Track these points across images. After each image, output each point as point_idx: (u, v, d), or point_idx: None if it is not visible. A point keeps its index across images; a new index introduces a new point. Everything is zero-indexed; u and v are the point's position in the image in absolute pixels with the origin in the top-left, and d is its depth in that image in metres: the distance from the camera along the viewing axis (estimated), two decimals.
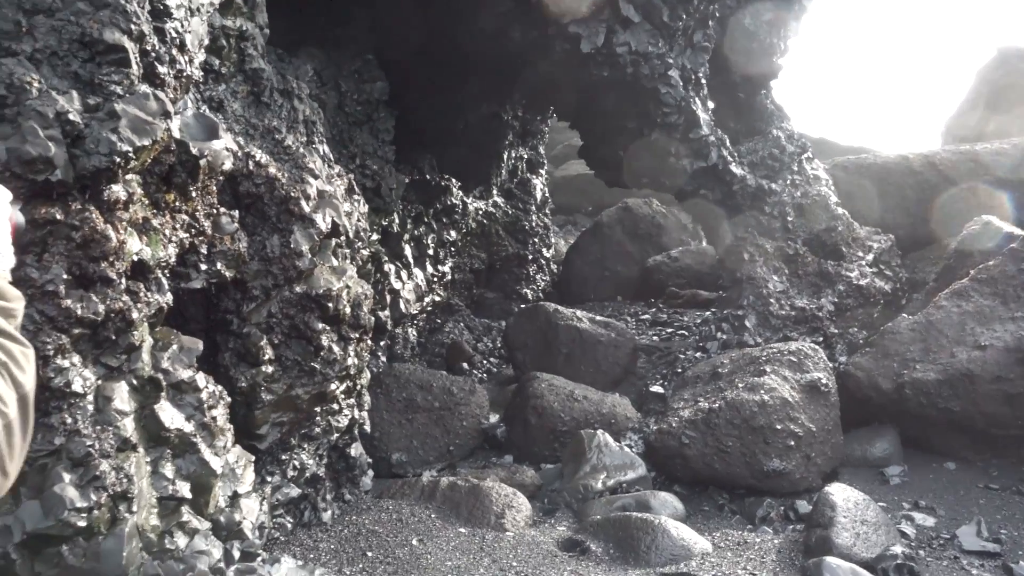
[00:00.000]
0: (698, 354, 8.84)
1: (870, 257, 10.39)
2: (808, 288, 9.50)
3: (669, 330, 10.82)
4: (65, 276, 2.67)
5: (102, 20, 2.76)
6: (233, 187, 4.02)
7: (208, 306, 4.03)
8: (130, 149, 2.75)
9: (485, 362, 11.16)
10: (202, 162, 3.34)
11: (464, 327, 12.30)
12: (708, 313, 10.07)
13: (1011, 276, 7.11)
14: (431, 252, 11.60)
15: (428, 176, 11.43)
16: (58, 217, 2.64)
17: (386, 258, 9.73)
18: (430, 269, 11.50)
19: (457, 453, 7.01)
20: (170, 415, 3.10)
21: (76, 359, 2.74)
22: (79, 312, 2.71)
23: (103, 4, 2.78)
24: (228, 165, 3.61)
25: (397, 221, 10.20)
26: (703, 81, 9.38)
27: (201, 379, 3.33)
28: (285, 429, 4.22)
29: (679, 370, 8.63)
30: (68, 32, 2.73)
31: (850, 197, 11.98)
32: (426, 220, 11.55)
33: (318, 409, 4.41)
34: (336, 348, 4.35)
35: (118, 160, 2.71)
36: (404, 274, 10.22)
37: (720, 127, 9.66)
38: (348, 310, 4.41)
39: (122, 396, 2.91)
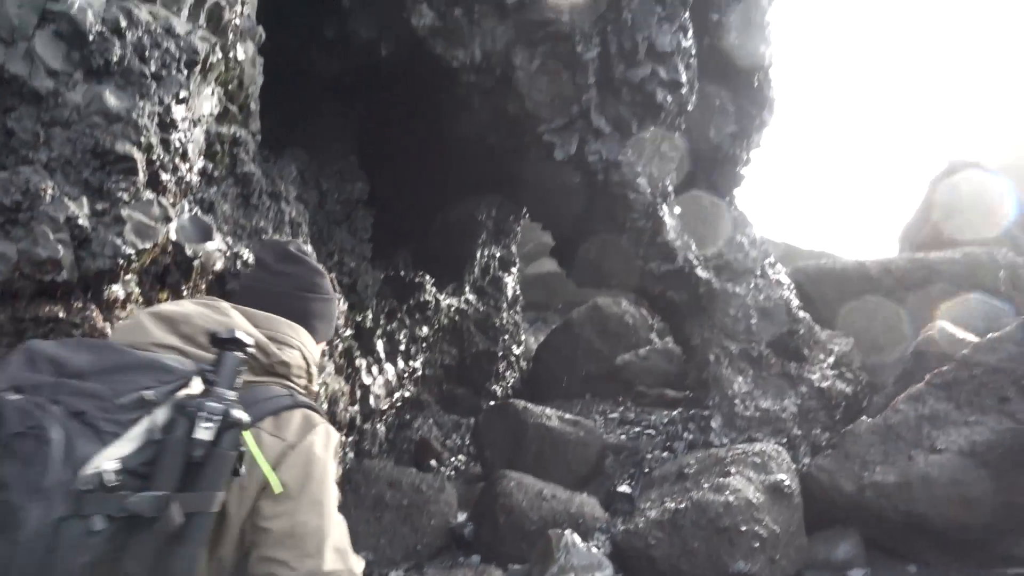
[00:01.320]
0: (665, 454, 8.96)
1: (831, 360, 10.71)
2: (772, 390, 9.74)
3: (637, 429, 10.93)
4: None
5: (115, 132, 2.97)
6: (221, 286, 4.17)
7: None
8: (133, 252, 2.92)
9: (454, 459, 11.13)
10: (195, 263, 3.50)
11: (433, 423, 12.29)
12: (675, 413, 10.23)
13: (963, 381, 7.40)
14: (403, 347, 11.71)
15: (403, 272, 11.66)
16: (60, 315, 2.77)
17: (358, 353, 9.82)
18: (401, 364, 11.58)
19: (424, 552, 6.97)
20: None
21: None
22: None
23: (117, 118, 2.99)
24: (219, 265, 3.78)
25: (371, 316, 10.34)
26: (670, 189, 9.83)
27: None
28: None
29: (646, 470, 8.72)
30: (83, 143, 2.92)
31: (811, 301, 12.40)
32: (399, 316, 11.71)
33: None
34: None
35: (121, 262, 2.87)
36: (375, 369, 10.29)
37: (687, 232, 10.07)
38: (325, 407, 4.51)
39: None
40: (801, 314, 10.60)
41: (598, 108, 8.61)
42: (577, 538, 6.38)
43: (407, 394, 11.69)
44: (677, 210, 10.08)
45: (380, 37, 7.98)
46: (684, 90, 9.08)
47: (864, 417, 7.96)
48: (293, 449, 1.96)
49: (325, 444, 2.06)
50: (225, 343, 1.84)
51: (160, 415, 1.65)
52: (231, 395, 1.75)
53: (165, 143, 3.26)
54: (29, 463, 1.44)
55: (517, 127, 8.61)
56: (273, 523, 1.91)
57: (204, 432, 1.66)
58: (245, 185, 4.90)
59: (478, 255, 13.56)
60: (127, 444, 1.58)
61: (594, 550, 6.38)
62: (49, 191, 2.76)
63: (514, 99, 8.29)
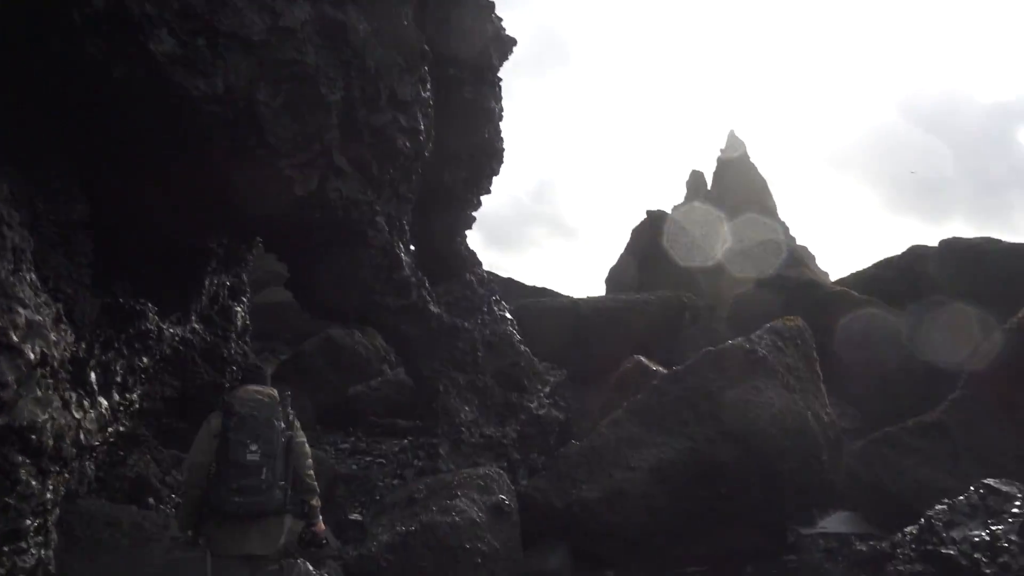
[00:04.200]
0: (396, 481, 9.33)
1: (547, 389, 11.79)
2: (495, 418, 10.53)
3: (368, 458, 11.21)
4: None
5: None
6: None
7: None
8: None
9: (174, 496, 10.61)
10: None
11: (151, 459, 11.61)
12: (405, 442, 10.66)
13: (652, 408, 8.61)
14: (119, 379, 10.99)
15: (122, 300, 10.97)
16: None
17: (68, 385, 9.11)
18: (116, 397, 10.87)
19: None
20: None
21: None
22: None
23: None
24: None
25: (84, 346, 9.64)
26: (406, 227, 10.34)
27: None
28: None
29: (377, 497, 9.02)
30: None
31: (531, 335, 13.52)
32: (116, 345, 10.99)
33: (5, 548, 4.17)
34: (34, 482, 4.21)
35: None
36: (87, 403, 9.58)
37: (421, 269, 10.62)
38: (51, 442, 4.32)
39: None
40: (522, 347, 11.58)
41: (340, 148, 8.88)
42: (309, 566, 6.51)
43: (122, 428, 10.95)
44: (412, 248, 10.60)
45: (112, 57, 7.63)
46: (422, 137, 9.66)
47: (573, 440, 8.93)
48: None
49: None
50: None
51: None
52: None
53: None
54: None
55: (258, 160, 8.61)
56: None
57: None
58: None
59: (207, 283, 13.08)
60: None
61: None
62: None
63: (256, 133, 8.31)
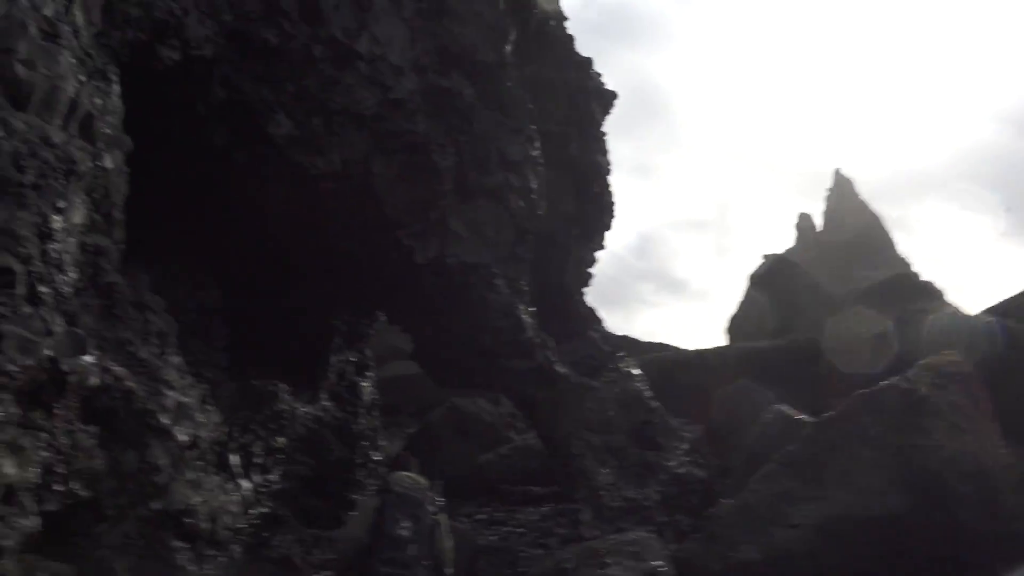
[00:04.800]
0: (538, 551, 8.96)
1: (685, 447, 11.23)
2: (634, 479, 10.05)
3: (506, 528, 10.88)
4: None
5: None
6: (88, 402, 3.93)
7: (52, 529, 3.77)
8: (17, 368, 2.74)
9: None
10: (71, 379, 3.31)
11: (293, 539, 11.65)
12: (544, 509, 10.29)
13: (807, 459, 7.97)
14: (258, 461, 11.17)
15: (255, 382, 11.23)
16: None
17: (213, 469, 9.28)
18: (257, 479, 11.03)
19: None
20: None
21: None
22: None
23: None
24: (94, 380, 3.58)
25: (225, 429, 9.85)
26: (525, 288, 10.19)
27: None
28: None
29: (521, 569, 8.67)
30: None
31: (659, 390, 12.99)
32: (253, 427, 11.21)
33: None
34: (192, 567, 4.15)
35: (3, 380, 2.69)
36: (230, 485, 9.72)
37: (542, 329, 10.41)
38: (207, 525, 4.26)
39: None
40: (654, 404, 11.11)
41: (455, 213, 8.90)
42: None
43: (264, 510, 11.08)
44: (532, 309, 10.43)
45: (235, 144, 7.93)
46: (534, 195, 9.58)
47: (722, 499, 8.36)
48: None
49: None
50: None
51: None
52: None
53: (44, 254, 3.12)
54: None
55: (376, 232, 8.72)
56: None
57: None
58: (108, 295, 4.69)
59: (333, 360, 13.28)
60: None
61: None
62: None
63: (373, 205, 8.43)
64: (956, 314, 16.18)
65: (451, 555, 5.87)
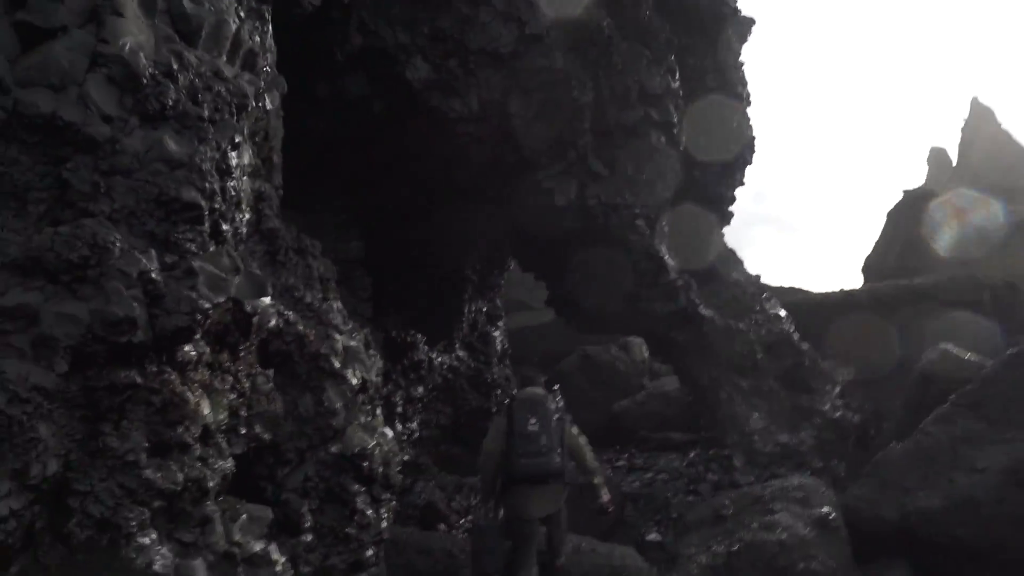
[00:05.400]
0: (690, 498, 8.68)
1: (837, 390, 10.63)
2: (786, 423, 9.58)
3: (649, 475, 10.65)
4: (145, 444, 2.48)
5: (179, 179, 2.73)
6: (263, 347, 3.89)
7: (237, 473, 3.78)
8: (209, 306, 2.66)
9: (463, 521, 10.67)
10: (254, 320, 3.24)
11: (435, 485, 11.83)
12: (693, 455, 9.99)
13: (991, 399, 7.31)
14: (400, 410, 11.36)
15: (394, 333, 11.36)
16: (137, 381, 2.48)
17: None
18: (399, 428, 11.23)
19: None
20: None
21: (154, 535, 2.50)
22: (159, 483, 2.50)
23: (179, 163, 2.76)
24: (273, 323, 3.51)
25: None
26: (666, 230, 9.78)
27: (275, 551, 3.06)
28: None
29: (673, 515, 8.43)
30: (146, 191, 2.68)
31: (804, 333, 12.36)
32: (394, 377, 11.37)
33: None
34: (370, 511, 4.10)
35: (198, 317, 2.61)
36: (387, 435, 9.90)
37: (679, 250, 9.98)
38: (380, 469, 4.20)
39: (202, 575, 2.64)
40: (804, 346, 10.54)
41: (594, 152, 8.55)
42: None
43: (406, 458, 11.27)
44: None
45: (373, 93, 7.83)
46: (676, 130, 9.10)
47: (894, 443, 7.81)
48: None
49: None
50: None
51: None
52: None
53: (224, 191, 3.03)
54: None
55: (514, 176, 8.49)
56: None
57: None
58: (271, 242, 4.64)
59: (466, 310, 13.31)
60: None
61: None
62: (118, 244, 2.50)
63: (511, 147, 8.19)
64: None
65: (588, 453, 6.36)
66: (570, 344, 15.89)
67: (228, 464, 3.00)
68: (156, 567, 2.45)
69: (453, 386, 13.18)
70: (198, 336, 2.80)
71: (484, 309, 14.31)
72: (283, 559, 3.13)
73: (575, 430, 6.30)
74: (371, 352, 4.92)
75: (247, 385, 3.49)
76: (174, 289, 2.60)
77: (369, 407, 4.52)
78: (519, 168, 8.40)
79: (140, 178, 2.68)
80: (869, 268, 28.22)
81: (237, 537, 2.89)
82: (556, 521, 6.08)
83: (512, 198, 8.87)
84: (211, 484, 2.77)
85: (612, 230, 8.84)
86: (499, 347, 14.55)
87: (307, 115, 8.31)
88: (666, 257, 9.36)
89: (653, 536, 8.13)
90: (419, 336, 11.80)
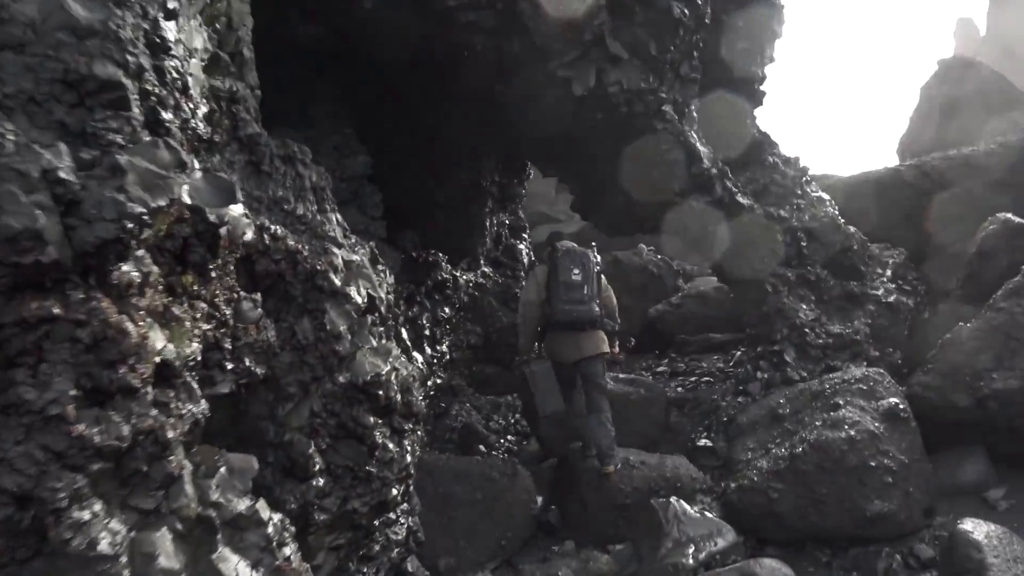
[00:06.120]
0: (740, 399, 8.17)
1: (888, 273, 9.94)
2: (837, 313, 8.96)
3: (692, 379, 10.16)
4: (73, 392, 1.94)
5: (90, 51, 2.11)
6: (248, 267, 3.32)
7: (233, 415, 3.28)
8: (144, 211, 2.07)
9: (502, 441, 10.32)
10: (222, 231, 2.66)
11: (471, 407, 11.47)
12: (737, 353, 9.44)
13: None
14: (428, 333, 10.89)
15: (414, 253, 10.82)
16: (56, 312, 1.93)
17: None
18: (429, 351, 10.79)
19: (510, 547, 6.18)
20: (232, 565, 2.30)
21: (98, 506, 1.98)
22: (97, 440, 1.97)
23: (90, 32, 2.13)
24: (249, 235, 2.94)
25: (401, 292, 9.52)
26: (695, 114, 8.98)
27: (263, 509, 2.54)
28: (342, 554, 3.42)
29: (724, 418, 7.94)
30: (47, 70, 2.06)
31: (847, 216, 11.60)
32: (419, 299, 10.87)
33: (377, 523, 3.62)
34: (391, 445, 3.60)
35: (130, 227, 2.03)
36: (405, 358, 9.45)
37: (713, 139, 9.23)
38: (399, 397, 3.68)
39: (166, 549, 2.12)
40: (850, 229, 9.80)
41: (612, 33, 7.72)
42: (684, 505, 5.60)
43: (439, 381, 10.89)
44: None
45: None
46: (700, 1, 8.21)
47: (961, 324, 7.16)
48: None
49: None
50: None
51: None
52: None
53: (159, 71, 2.40)
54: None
55: (527, 69, 7.72)
56: None
57: None
58: (252, 150, 4.03)
59: (488, 224, 12.69)
60: None
61: (708, 515, 5.59)
62: (11, 138, 1.90)
63: (520, 34, 7.40)
64: None
65: (614, 305, 7.01)
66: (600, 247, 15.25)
67: (200, 408, 2.46)
68: (102, 547, 1.93)
69: (481, 304, 12.68)
70: (140, 253, 2.22)
71: (507, 222, 13.69)
72: (276, 517, 2.61)
73: (606, 282, 6.98)
74: (380, 267, 4.35)
75: (228, 313, 2.94)
76: (95, 192, 2.01)
77: (381, 328, 3.97)
78: (530, 59, 7.62)
79: (37, 52, 2.06)
80: (905, 147, 26.93)
81: (215, 496, 2.38)
82: (593, 375, 6.49)
83: (527, 95, 8.12)
84: (172, 435, 2.23)
85: (637, 118, 8.08)
86: (526, 260, 13.99)
87: (297, 23, 7.61)
88: (698, 144, 8.59)
89: (704, 441, 7.67)
90: (440, 255, 11.25)
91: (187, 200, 2.54)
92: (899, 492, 5.49)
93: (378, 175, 8.71)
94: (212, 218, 2.60)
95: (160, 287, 2.33)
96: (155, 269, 2.28)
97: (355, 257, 3.87)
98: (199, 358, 2.57)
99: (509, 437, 10.39)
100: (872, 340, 8.81)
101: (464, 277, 12.18)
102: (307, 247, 3.65)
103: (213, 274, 2.74)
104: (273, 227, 3.53)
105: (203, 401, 2.48)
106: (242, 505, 2.43)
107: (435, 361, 11.04)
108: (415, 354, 10.20)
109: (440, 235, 11.26)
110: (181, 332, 2.39)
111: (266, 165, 4.08)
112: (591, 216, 9.95)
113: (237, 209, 2.83)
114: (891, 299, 9.31)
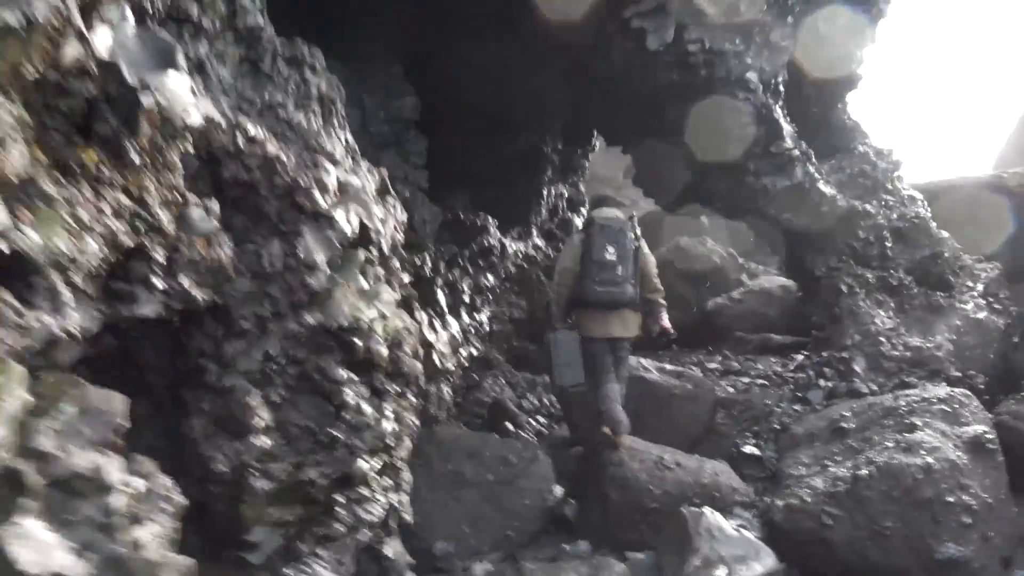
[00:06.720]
0: (797, 406, 7.34)
1: (980, 287, 8.93)
2: (918, 324, 8.02)
3: (745, 380, 9.32)
4: None
5: None
6: (214, 171, 2.70)
7: (175, 348, 2.69)
8: None
9: (532, 422, 9.64)
10: (146, 102, 2.02)
11: (505, 383, 10.79)
12: (800, 357, 8.57)
13: None
14: (467, 299, 10.25)
15: (462, 214, 10.19)
16: None
17: (417, 304, 8.37)
18: (466, 319, 10.15)
19: (517, 539, 5.52)
20: (35, 547, 1.63)
21: None
22: None
23: None
24: (196, 119, 2.31)
25: (430, 262, 8.87)
26: (781, 89, 8.10)
27: (113, 469, 1.86)
28: (291, 531, 2.80)
29: (776, 426, 7.13)
30: None
31: (938, 221, 10.54)
32: (461, 263, 10.23)
33: (341, 498, 2.99)
34: (367, 407, 2.96)
35: None
36: (438, 324, 8.82)
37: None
38: (384, 351, 3.04)
39: None
40: (943, 234, 8.81)
41: None
42: (720, 518, 4.85)
43: (475, 351, 10.27)
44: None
45: None
46: None
47: None
48: None
49: None
50: None
51: None
52: None
53: None
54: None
55: (597, 14, 6.95)
56: None
57: None
58: (251, 45, 3.40)
59: (545, 194, 11.98)
60: None
61: (745, 533, 4.84)
62: None
63: None
64: None
65: (656, 276, 6.50)
66: (655, 238, 14.41)
67: (65, 322, 1.84)
68: None
69: (529, 276, 12.00)
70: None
71: (566, 193, 12.96)
72: (135, 481, 1.96)
73: (647, 250, 6.44)
74: (391, 200, 3.69)
75: (163, 216, 2.32)
76: None
77: (379, 270, 3.31)
78: (602, 5, 6.85)
79: None
80: (1004, 161, 25.19)
81: (43, 444, 1.74)
82: (621, 351, 6.32)
83: (596, 48, 7.36)
84: None
85: (717, 83, 7.26)
86: None
87: None
88: (782, 121, 7.72)
89: (750, 448, 6.87)
90: (490, 219, 10.59)
91: (101, 52, 1.91)
92: (977, 535, 4.66)
93: (430, 127, 8.08)
94: (131, 82, 1.97)
95: (23, 149, 1.71)
96: (7, 118, 1.65)
97: (354, 180, 3.22)
98: (96, 264, 1.95)
99: (539, 418, 9.71)
100: (954, 359, 7.86)
101: (513, 246, 11.50)
102: (293, 158, 3.01)
103: (136, 160, 2.11)
104: (251, 128, 2.89)
105: (78, 315, 1.86)
106: (83, 461, 1.79)
107: (472, 331, 10.41)
108: (449, 319, 9.59)
109: (493, 199, 10.59)
110: (55, 218, 1.78)
111: (266, 65, 3.45)
112: (653, 194, 9.15)
113: (177, 79, 2.19)
114: (980, 316, 8.32)
